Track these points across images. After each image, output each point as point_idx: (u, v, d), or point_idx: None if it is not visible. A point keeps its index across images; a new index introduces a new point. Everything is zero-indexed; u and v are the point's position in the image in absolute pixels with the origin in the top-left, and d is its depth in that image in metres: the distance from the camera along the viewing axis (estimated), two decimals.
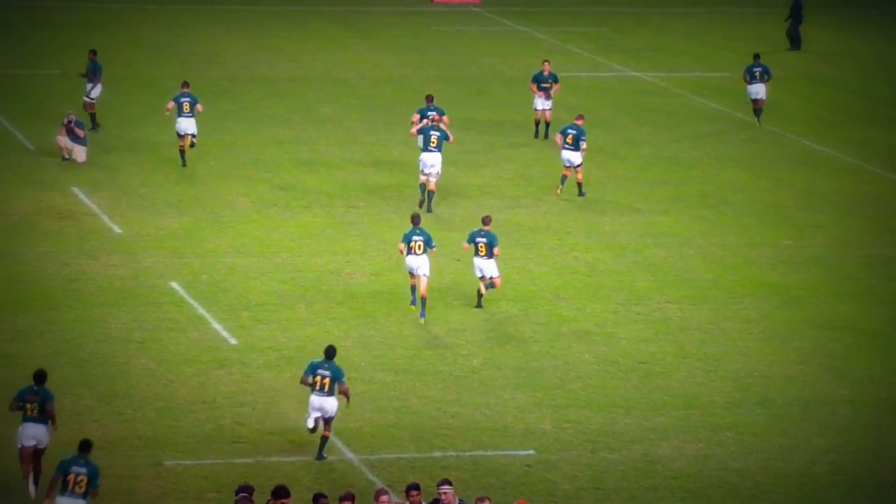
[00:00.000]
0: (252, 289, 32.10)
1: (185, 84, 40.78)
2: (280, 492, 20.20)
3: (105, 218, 36.16)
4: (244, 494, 20.28)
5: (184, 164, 40.41)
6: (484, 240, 31.06)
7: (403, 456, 24.95)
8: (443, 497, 20.64)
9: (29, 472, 23.82)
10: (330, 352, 25.27)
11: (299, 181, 39.95)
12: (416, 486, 20.75)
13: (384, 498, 20.43)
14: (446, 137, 37.21)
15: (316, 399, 24.84)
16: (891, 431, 26.60)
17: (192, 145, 40.48)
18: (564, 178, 38.58)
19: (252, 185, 39.47)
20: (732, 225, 37.65)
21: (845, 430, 26.50)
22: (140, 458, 24.50)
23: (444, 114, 39.37)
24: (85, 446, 21.85)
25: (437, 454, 25.04)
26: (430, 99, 39.73)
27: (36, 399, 23.89)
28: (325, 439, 24.91)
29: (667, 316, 31.39)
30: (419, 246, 30.57)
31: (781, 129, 46.80)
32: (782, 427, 26.56)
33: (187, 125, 40.20)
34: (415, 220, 31.10)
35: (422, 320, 30.48)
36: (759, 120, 46.38)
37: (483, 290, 31.21)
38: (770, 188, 40.99)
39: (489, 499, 20.38)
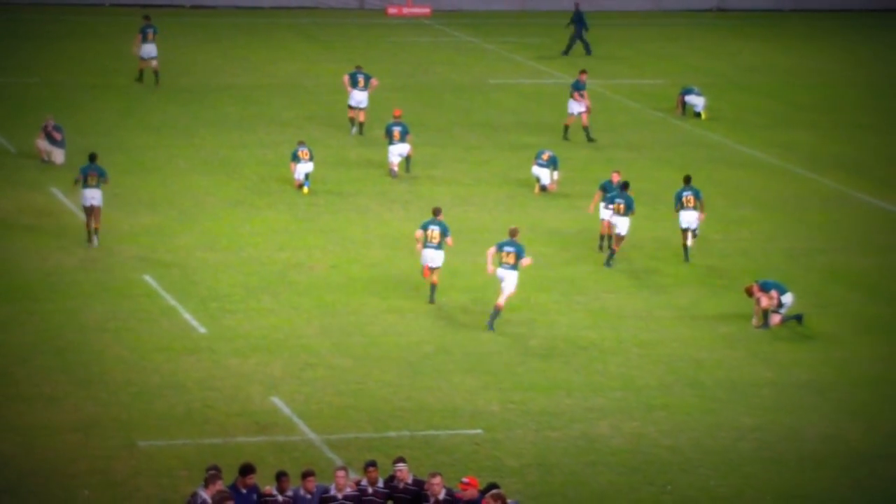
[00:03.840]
0: (220, 281, 31.94)
1: (147, 17, 48.64)
2: (246, 469, 20.09)
3: (81, 215, 35.87)
4: (213, 472, 20.11)
5: (140, 81, 48.29)
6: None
7: (361, 435, 24.87)
8: (398, 474, 20.57)
9: (90, 226, 33.24)
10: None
11: (264, 181, 39.79)
12: (373, 464, 20.68)
13: (341, 473, 20.38)
14: (407, 132, 40.03)
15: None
16: (811, 410, 26.70)
17: (156, 71, 47.96)
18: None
19: (220, 185, 39.30)
20: (665, 220, 37.67)
21: (769, 410, 26.59)
22: (115, 439, 24.33)
23: (371, 77, 43.68)
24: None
25: (393, 434, 24.97)
26: (358, 67, 44.37)
27: (94, 173, 33.49)
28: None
29: (605, 305, 31.41)
30: None
31: (711, 132, 46.94)
32: (711, 407, 26.62)
33: (149, 49, 48.08)
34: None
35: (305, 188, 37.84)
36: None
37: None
38: (700, 186, 40.85)
39: (440, 475, 20.34)
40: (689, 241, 33.93)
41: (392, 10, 66.17)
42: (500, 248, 29.67)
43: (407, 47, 59.06)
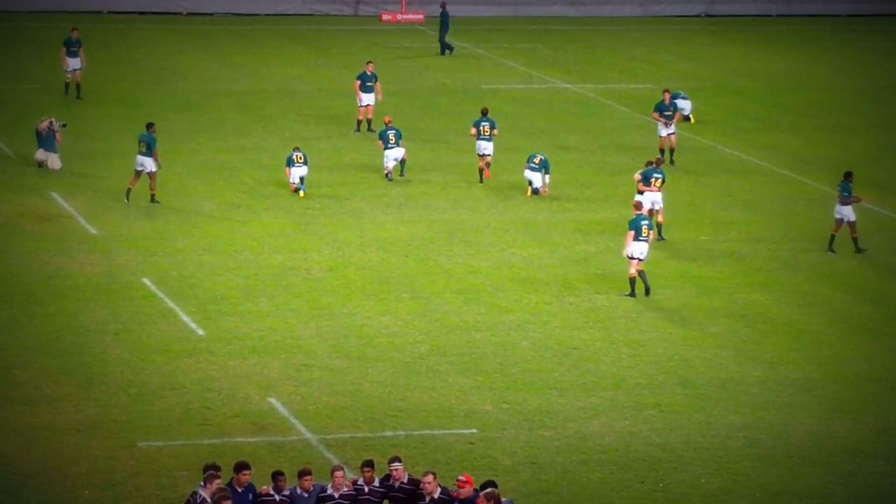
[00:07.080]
0: (218, 284, 31.87)
1: (74, 29, 48.44)
2: (239, 466, 20.01)
3: (81, 220, 35.85)
4: (212, 471, 20.03)
5: (67, 94, 47.56)
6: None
7: (357, 435, 24.82)
8: (393, 473, 20.51)
9: (132, 188, 36.81)
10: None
11: (260, 185, 39.73)
12: (369, 463, 20.61)
13: (338, 473, 20.30)
14: (401, 136, 40.20)
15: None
16: (798, 408, 26.68)
17: (78, 84, 47.55)
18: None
19: (217, 189, 39.24)
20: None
21: (758, 408, 26.56)
22: (115, 439, 24.26)
23: (377, 79, 44.91)
24: None
25: (388, 433, 24.92)
26: (369, 64, 45.32)
27: (145, 141, 36.86)
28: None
29: (596, 305, 31.38)
30: None
31: (699, 136, 46.94)
32: (701, 405, 26.59)
33: (75, 63, 47.88)
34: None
35: None
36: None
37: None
38: (689, 189, 41.09)
39: (435, 473, 20.28)
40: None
41: (386, 17, 66.18)
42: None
43: (401, 53, 59.03)
